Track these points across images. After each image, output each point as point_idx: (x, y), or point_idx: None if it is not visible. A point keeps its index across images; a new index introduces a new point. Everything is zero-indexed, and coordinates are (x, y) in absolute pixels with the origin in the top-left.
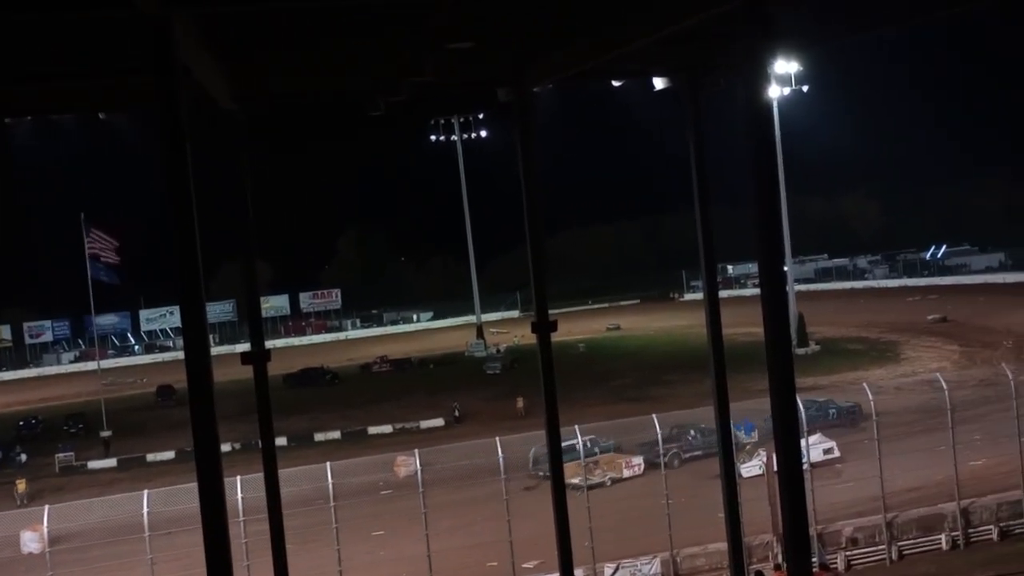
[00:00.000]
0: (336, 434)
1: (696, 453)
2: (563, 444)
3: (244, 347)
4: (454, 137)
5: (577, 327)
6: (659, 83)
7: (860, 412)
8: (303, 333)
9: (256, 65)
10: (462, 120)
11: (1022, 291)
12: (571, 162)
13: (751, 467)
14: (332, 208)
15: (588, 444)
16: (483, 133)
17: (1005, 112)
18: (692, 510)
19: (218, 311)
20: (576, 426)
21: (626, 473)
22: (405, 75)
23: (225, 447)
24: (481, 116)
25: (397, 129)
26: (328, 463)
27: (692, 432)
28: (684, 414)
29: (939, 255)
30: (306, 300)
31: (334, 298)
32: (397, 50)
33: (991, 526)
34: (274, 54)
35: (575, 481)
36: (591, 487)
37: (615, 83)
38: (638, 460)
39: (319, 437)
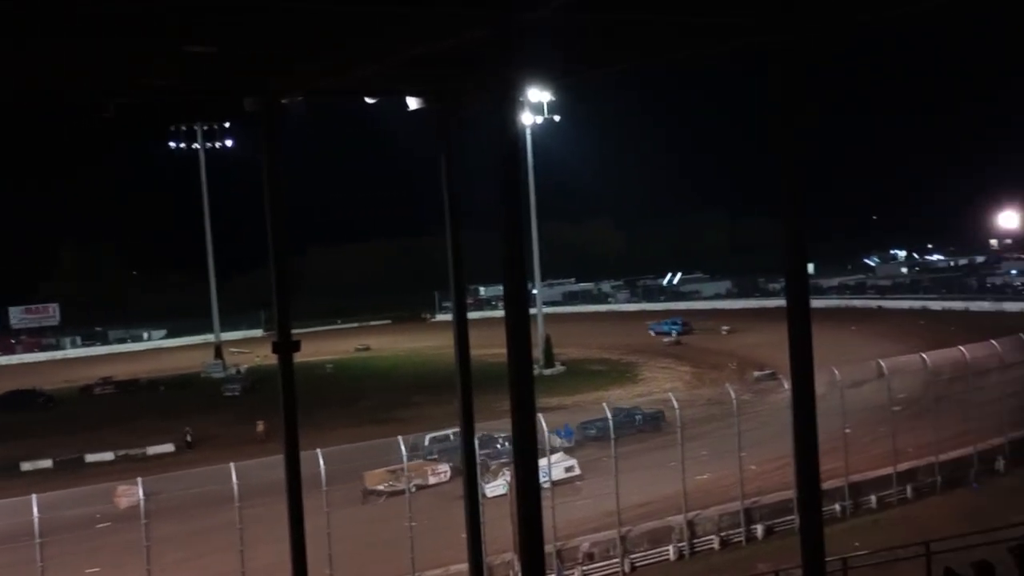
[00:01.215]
0: (47, 463)
1: (504, 460)
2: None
3: None
4: (196, 145)
5: (325, 347)
6: (413, 103)
7: (663, 418)
8: (12, 351)
9: None
10: (206, 128)
11: (745, 316)
12: (325, 178)
13: (496, 486)
14: (54, 217)
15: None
16: (229, 143)
17: (731, 154)
18: (453, 529)
19: None
20: (318, 450)
21: (431, 480)
22: (138, 77)
23: None
24: (228, 125)
25: (132, 134)
26: (34, 495)
27: (500, 440)
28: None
29: (674, 281)
30: (17, 315)
31: (51, 313)
32: (128, 49)
33: (713, 536)
34: None
35: (380, 488)
36: (394, 493)
37: (368, 100)
38: (444, 467)
39: (27, 467)
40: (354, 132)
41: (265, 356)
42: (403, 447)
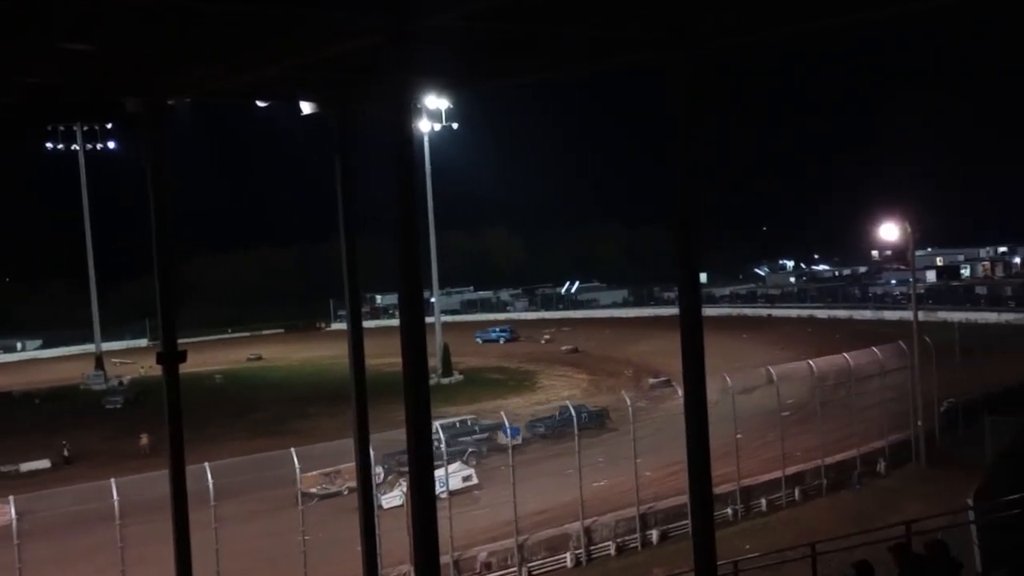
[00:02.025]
0: None
1: (438, 462)
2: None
3: None
4: (76, 147)
5: (215, 357)
6: (307, 107)
7: (607, 414)
8: None
9: None
10: (87, 129)
11: (641, 324)
12: (218, 180)
13: (392, 497)
14: None
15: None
16: (112, 144)
17: (630, 163)
18: (354, 540)
19: None
20: (206, 464)
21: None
22: (11, 74)
23: None
24: (110, 126)
25: (5, 134)
26: None
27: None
28: (324, 446)
29: (572, 290)
30: None
31: None
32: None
33: (610, 542)
34: None
35: (313, 490)
36: (327, 496)
37: (260, 104)
38: (378, 469)
39: None
40: (250, 133)
41: (150, 367)
42: (296, 459)
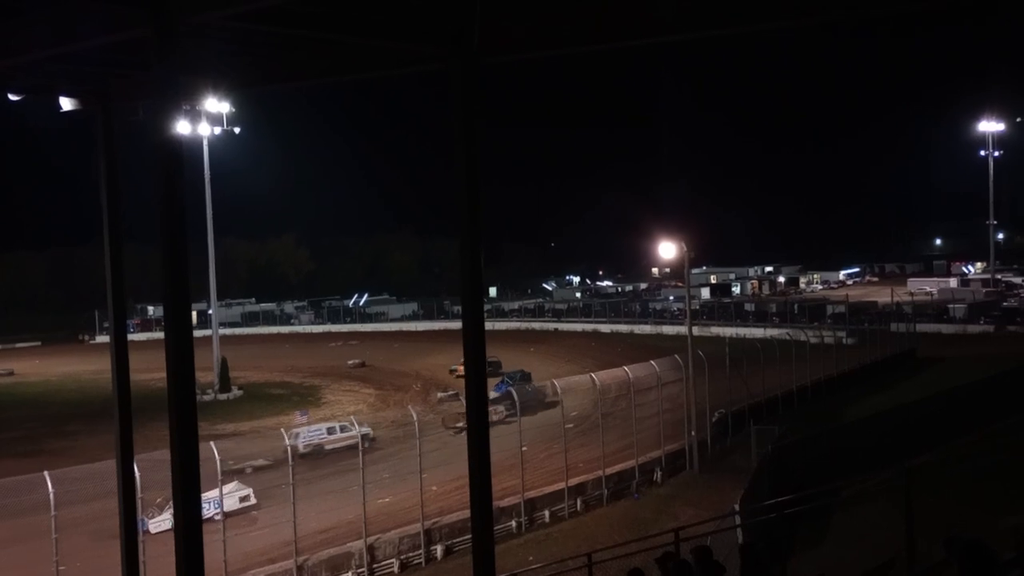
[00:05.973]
0: None
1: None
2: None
3: None
4: None
5: None
6: (68, 103)
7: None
8: None
9: None
10: None
11: (430, 338)
12: None
13: (161, 521)
14: None
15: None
16: None
17: (421, 174)
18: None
19: None
20: None
21: (494, 417)
22: None
23: None
24: None
25: None
26: None
27: (529, 387)
28: (84, 468)
29: (361, 303)
30: None
31: None
32: None
33: (393, 559)
34: None
35: (460, 424)
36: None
37: (13, 97)
38: (500, 407)
39: None
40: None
41: None
42: (49, 482)
